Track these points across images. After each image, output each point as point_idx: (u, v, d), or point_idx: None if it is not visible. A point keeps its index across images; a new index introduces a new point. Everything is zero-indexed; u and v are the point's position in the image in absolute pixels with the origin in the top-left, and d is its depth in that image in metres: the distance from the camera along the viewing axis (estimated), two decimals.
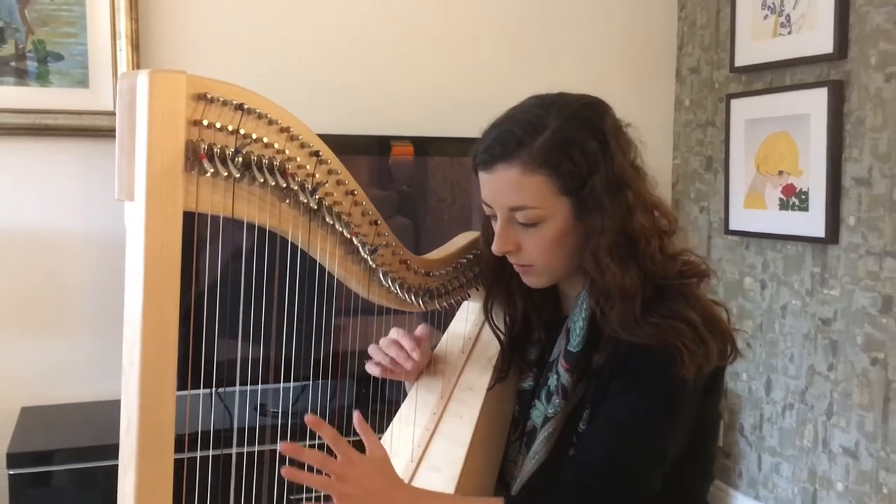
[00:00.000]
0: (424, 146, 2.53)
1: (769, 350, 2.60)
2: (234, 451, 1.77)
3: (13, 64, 2.29)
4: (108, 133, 2.37)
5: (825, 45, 2.33)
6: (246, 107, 0.94)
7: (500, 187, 1.13)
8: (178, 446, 0.94)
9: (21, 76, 2.30)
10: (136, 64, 2.35)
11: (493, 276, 1.27)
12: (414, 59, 2.69)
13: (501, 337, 1.29)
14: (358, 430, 1.04)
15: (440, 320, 1.37)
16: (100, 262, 2.40)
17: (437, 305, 1.27)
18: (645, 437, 1.09)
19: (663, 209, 1.17)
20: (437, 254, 1.27)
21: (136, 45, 2.35)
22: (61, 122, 2.33)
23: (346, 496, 0.99)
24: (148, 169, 0.86)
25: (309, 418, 0.99)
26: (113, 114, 2.36)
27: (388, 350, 1.30)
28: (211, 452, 1.50)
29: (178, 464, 0.95)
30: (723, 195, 2.74)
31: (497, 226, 1.16)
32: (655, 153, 3.02)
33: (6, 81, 2.29)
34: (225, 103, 0.93)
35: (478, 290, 1.32)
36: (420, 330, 1.32)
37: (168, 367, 0.89)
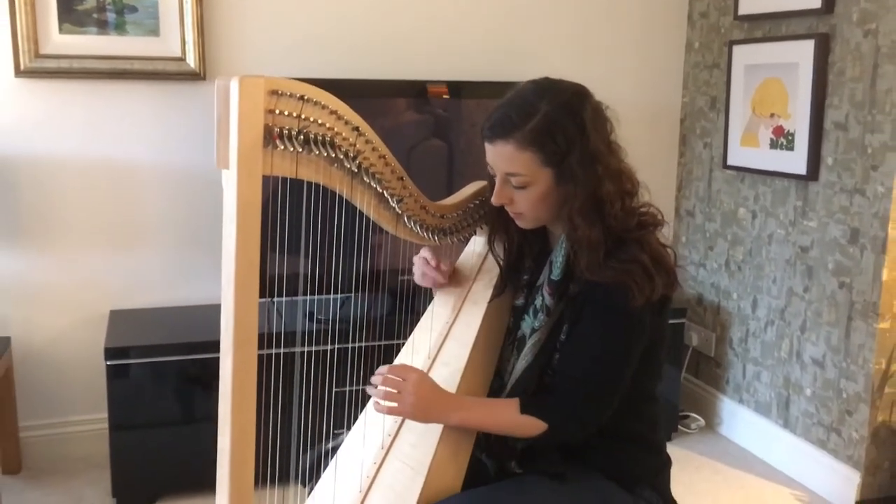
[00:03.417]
0: (458, 89, 2.83)
1: (756, 273, 2.93)
2: (297, 350, 2.18)
3: (95, 16, 2.63)
4: (175, 76, 2.72)
5: None
6: (306, 97, 1.28)
7: (498, 157, 1.47)
8: None
9: (102, 26, 2.65)
10: (200, 16, 2.68)
11: (496, 216, 1.62)
12: (447, 14, 2.97)
13: (500, 262, 1.65)
14: (394, 370, 1.44)
15: (452, 252, 1.73)
16: (171, 187, 2.79)
17: (450, 241, 1.62)
18: (610, 357, 1.46)
19: (628, 174, 1.49)
20: (449, 200, 1.62)
21: None
22: (136, 67, 2.68)
23: (404, 401, 1.41)
24: (239, 147, 1.21)
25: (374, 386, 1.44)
26: (180, 59, 2.71)
27: (429, 260, 1.71)
28: (274, 350, 1.90)
29: None
30: (723, 133, 3.02)
31: (496, 184, 1.50)
32: (666, 91, 3.34)
33: (89, 31, 2.64)
34: (291, 96, 1.26)
35: (482, 228, 1.68)
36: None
37: (252, 285, 1.25)
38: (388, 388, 1.42)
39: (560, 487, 1.49)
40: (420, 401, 1.42)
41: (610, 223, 1.44)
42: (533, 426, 1.46)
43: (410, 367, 1.48)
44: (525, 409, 1.46)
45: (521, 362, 1.56)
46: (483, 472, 1.58)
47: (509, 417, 1.47)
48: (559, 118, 1.42)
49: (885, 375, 2.48)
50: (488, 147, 1.49)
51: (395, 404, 1.42)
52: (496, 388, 1.59)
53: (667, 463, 1.64)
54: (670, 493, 1.65)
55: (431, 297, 1.76)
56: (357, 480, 1.48)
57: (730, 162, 2.99)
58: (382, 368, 1.45)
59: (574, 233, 1.45)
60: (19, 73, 2.58)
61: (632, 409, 1.57)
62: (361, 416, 1.66)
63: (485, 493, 1.46)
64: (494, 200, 1.51)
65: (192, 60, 2.71)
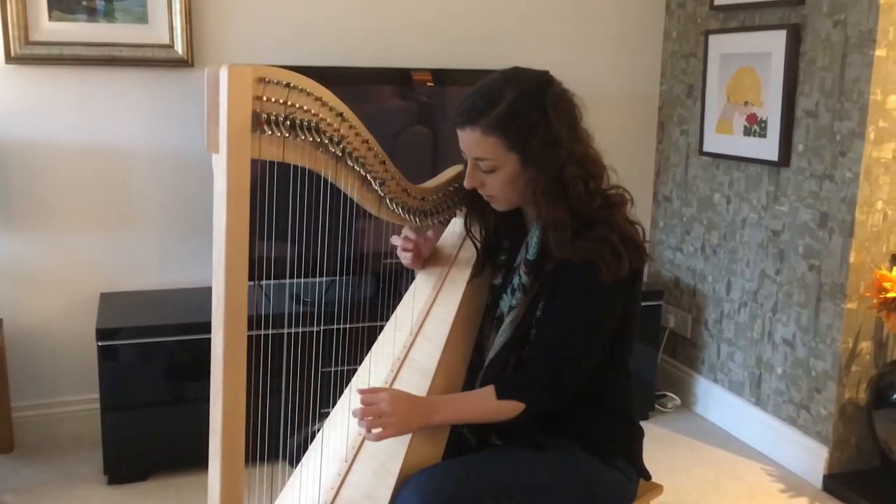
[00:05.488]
0: (441, 77, 2.89)
1: (730, 257, 3.02)
2: (285, 331, 2.24)
3: (84, 3, 2.67)
4: (164, 63, 2.77)
5: None
6: (291, 84, 1.34)
7: (467, 143, 1.55)
8: None
9: (91, 14, 2.69)
10: (188, 3, 2.73)
11: (472, 198, 1.69)
12: (431, 3, 3.05)
13: (477, 244, 1.73)
14: (363, 392, 1.48)
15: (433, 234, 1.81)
16: (160, 171, 2.84)
17: (430, 222, 1.70)
18: (579, 329, 1.54)
19: (594, 158, 1.56)
20: (430, 183, 1.68)
21: None
22: (125, 54, 2.73)
23: (388, 423, 1.45)
24: (228, 132, 1.27)
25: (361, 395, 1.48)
26: (168, 46, 2.76)
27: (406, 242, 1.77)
28: (263, 332, 1.97)
29: None
30: (699, 120, 3.10)
31: (467, 168, 1.57)
32: (645, 79, 3.42)
33: (79, 18, 2.68)
34: (277, 83, 1.32)
35: (461, 210, 1.75)
36: (430, 232, 1.78)
37: (241, 264, 1.32)
38: (369, 418, 1.45)
39: (537, 457, 1.58)
40: (402, 417, 1.46)
41: (574, 204, 1.52)
42: (512, 408, 1.53)
43: (378, 388, 1.52)
44: (501, 394, 1.53)
45: (500, 338, 1.64)
46: (465, 445, 1.66)
47: (488, 404, 1.54)
48: (522, 105, 1.50)
49: (852, 354, 2.57)
50: (459, 133, 1.56)
51: (380, 430, 1.45)
52: (475, 365, 1.66)
53: (639, 433, 1.72)
54: (643, 463, 1.73)
55: (413, 279, 1.83)
56: (343, 451, 1.55)
57: (705, 148, 3.07)
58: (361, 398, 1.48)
59: (540, 214, 1.53)
60: (10, 59, 2.62)
61: (606, 381, 1.65)
62: (346, 390, 1.74)
63: (465, 461, 1.54)
64: (466, 183, 1.58)
65: (179, 48, 2.76)
